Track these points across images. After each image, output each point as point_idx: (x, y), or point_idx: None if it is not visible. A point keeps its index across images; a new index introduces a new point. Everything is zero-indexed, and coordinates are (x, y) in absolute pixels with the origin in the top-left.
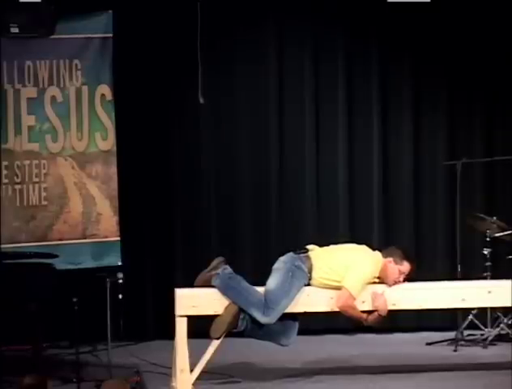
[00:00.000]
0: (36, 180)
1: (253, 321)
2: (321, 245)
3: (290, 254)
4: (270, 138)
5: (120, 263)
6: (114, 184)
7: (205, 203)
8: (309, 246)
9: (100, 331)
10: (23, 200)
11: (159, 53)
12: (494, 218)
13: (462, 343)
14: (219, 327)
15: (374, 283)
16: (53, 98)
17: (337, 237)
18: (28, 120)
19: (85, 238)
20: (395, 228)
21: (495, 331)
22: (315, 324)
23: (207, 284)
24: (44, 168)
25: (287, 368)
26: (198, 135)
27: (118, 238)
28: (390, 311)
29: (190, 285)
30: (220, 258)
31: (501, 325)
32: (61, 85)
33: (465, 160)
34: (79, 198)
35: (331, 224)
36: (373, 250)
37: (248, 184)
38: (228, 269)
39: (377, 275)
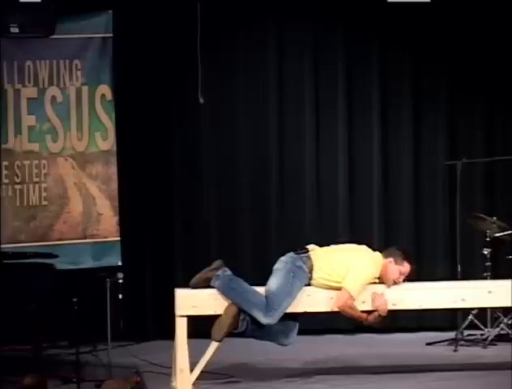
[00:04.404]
0: (36, 180)
1: (254, 321)
2: (321, 245)
3: (290, 254)
4: (270, 139)
5: (120, 263)
6: (114, 184)
7: (205, 202)
8: (310, 246)
9: (100, 331)
10: (23, 200)
11: (159, 53)
12: (494, 218)
13: (462, 343)
14: (220, 330)
15: (374, 283)
16: (53, 98)
17: (337, 237)
18: (28, 120)
19: (85, 238)
20: (395, 228)
21: (495, 331)
22: (315, 324)
23: (205, 285)
24: (44, 168)
25: (287, 368)
26: (198, 135)
27: (118, 238)
28: (390, 311)
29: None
30: (220, 261)
31: (501, 325)
32: (61, 85)
33: (465, 160)
34: (79, 198)
35: (331, 224)
36: (373, 250)
37: (248, 184)
38: (228, 271)
39: (377, 275)
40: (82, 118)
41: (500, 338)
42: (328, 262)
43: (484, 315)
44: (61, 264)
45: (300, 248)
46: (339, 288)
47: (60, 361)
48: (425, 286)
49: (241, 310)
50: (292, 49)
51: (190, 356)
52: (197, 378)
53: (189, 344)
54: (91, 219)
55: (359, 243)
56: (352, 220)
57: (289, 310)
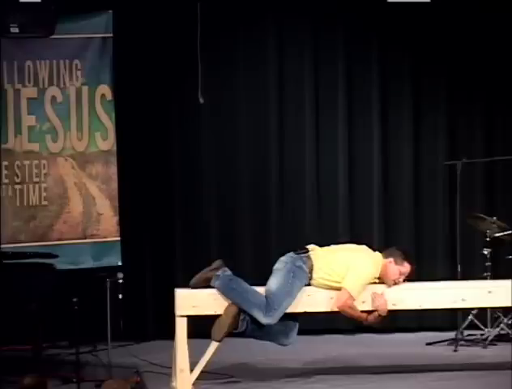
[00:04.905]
0: (36, 180)
1: (254, 321)
2: (321, 245)
3: (290, 254)
4: (270, 138)
5: (120, 263)
6: (114, 184)
7: (205, 202)
8: (310, 246)
9: (100, 331)
10: (23, 200)
11: (159, 53)
12: (494, 218)
13: (462, 343)
14: (220, 330)
15: (374, 283)
16: (53, 98)
17: (337, 237)
18: (28, 120)
19: (85, 238)
20: (395, 228)
21: (495, 331)
22: (315, 324)
23: (205, 285)
24: (44, 168)
25: (287, 368)
26: (198, 135)
27: (118, 238)
28: (390, 311)
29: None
30: (220, 261)
31: (501, 325)
32: (61, 85)
33: (465, 160)
34: (79, 198)
35: (331, 224)
36: (373, 250)
37: (248, 184)
38: (228, 271)
39: (377, 275)
40: (82, 118)
41: (500, 338)
42: (328, 262)
43: (484, 315)
44: (61, 264)
45: (300, 248)
46: (338, 288)
47: (60, 361)
48: (425, 286)
49: (241, 310)
50: (292, 49)
51: (190, 356)
52: (197, 378)
53: (189, 344)
54: (91, 219)
55: (359, 243)
56: (352, 220)
57: (289, 310)
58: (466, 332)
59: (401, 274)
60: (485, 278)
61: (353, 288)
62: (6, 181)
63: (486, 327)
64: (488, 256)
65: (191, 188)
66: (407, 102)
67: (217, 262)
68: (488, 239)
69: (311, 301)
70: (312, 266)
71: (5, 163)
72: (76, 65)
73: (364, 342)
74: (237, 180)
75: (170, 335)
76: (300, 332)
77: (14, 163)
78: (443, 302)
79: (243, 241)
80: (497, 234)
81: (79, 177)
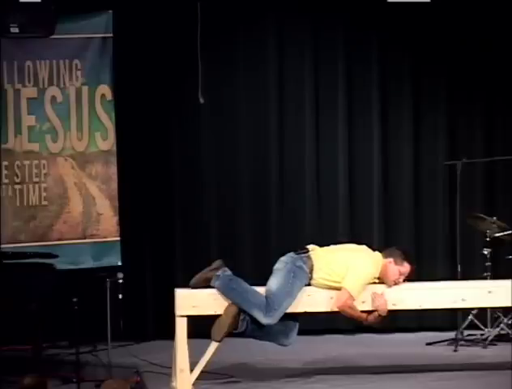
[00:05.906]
0: (36, 180)
1: (254, 321)
2: (321, 245)
3: (291, 255)
4: (270, 138)
5: (120, 263)
6: (114, 184)
7: (205, 202)
8: (310, 246)
9: (100, 331)
10: (23, 200)
11: (159, 53)
12: (494, 218)
13: (462, 343)
14: (220, 330)
15: (374, 283)
16: (53, 98)
17: (337, 237)
18: (28, 120)
19: (85, 238)
20: (395, 228)
21: (495, 331)
22: (315, 324)
23: (205, 285)
24: (44, 168)
25: (287, 368)
26: (198, 135)
27: (118, 238)
28: (390, 311)
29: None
30: (220, 261)
31: (501, 325)
32: (61, 85)
33: (465, 160)
34: (79, 198)
35: (331, 224)
36: (373, 250)
37: (248, 184)
38: (228, 271)
39: (377, 275)
40: (82, 118)
41: (500, 338)
42: (328, 262)
43: (484, 315)
44: (61, 264)
45: (300, 248)
46: (338, 288)
47: (60, 361)
48: (425, 286)
49: (241, 310)
50: (292, 48)
51: (190, 356)
52: (197, 378)
53: (189, 344)
54: (91, 219)
55: (359, 243)
56: (352, 220)
57: (289, 310)
58: (466, 332)
59: (401, 274)
60: (485, 278)
61: (353, 288)
62: (6, 181)
63: (486, 326)
64: (488, 256)
65: (191, 188)
66: (407, 102)
67: (217, 262)
68: (488, 239)
69: (311, 301)
70: (312, 266)
71: (5, 163)
72: (76, 65)
73: (364, 342)
74: (237, 180)
75: (170, 335)
76: (300, 332)
77: (14, 163)
78: (443, 302)
79: (243, 241)
80: (497, 234)
81: (79, 177)
